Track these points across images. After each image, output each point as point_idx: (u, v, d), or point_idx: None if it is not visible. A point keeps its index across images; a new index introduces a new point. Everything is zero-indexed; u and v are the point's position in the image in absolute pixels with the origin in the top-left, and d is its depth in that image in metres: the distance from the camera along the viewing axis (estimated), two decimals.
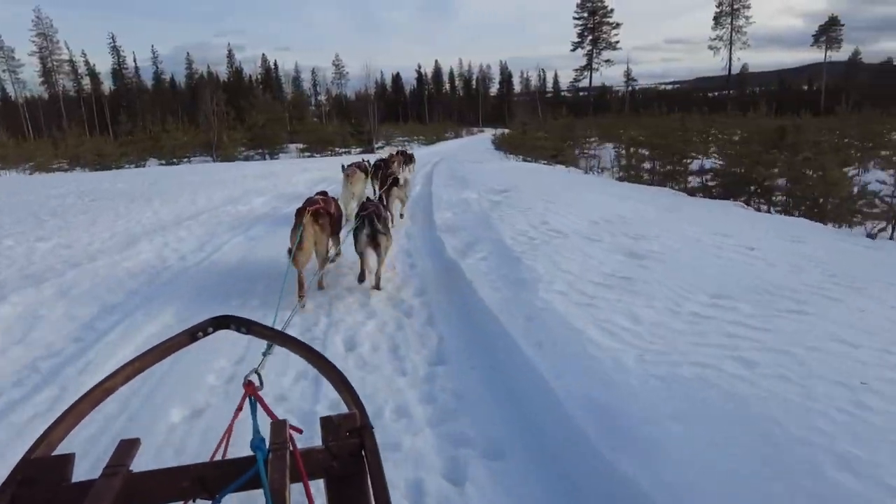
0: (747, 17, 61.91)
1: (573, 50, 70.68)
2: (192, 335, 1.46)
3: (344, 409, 1.24)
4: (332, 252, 4.86)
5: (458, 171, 14.79)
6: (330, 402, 2.72)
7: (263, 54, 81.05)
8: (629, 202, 8.53)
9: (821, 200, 10.76)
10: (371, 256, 4.50)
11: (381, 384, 2.96)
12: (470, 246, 5.43)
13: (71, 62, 59.07)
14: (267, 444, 1.01)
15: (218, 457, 1.24)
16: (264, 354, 1.54)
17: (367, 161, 9.55)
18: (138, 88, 64.88)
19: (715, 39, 62.68)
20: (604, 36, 69.54)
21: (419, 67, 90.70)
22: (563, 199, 8.08)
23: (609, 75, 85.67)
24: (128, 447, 1.00)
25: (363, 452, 1.00)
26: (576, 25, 69.96)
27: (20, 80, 55.63)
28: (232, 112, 42.10)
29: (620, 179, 16.38)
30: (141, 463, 0.98)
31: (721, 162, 14.71)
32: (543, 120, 31.59)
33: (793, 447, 1.84)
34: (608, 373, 2.53)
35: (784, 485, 1.70)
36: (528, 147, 20.13)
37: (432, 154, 25.55)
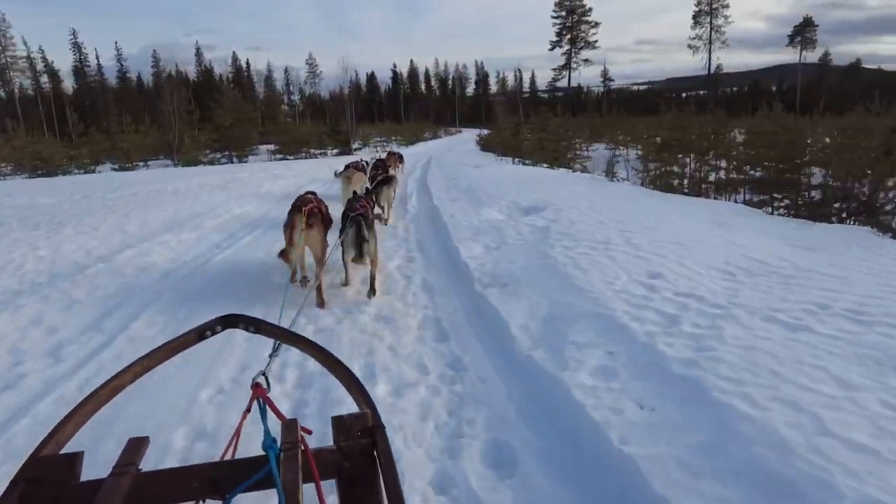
0: (726, 17, 61.68)
1: (551, 49, 69.51)
2: (199, 334, 1.41)
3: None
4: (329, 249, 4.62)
5: (457, 176, 12.77)
6: None
7: (234, 52, 78.06)
8: (735, 232, 6.20)
9: None
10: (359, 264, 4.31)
11: None
12: (555, 331, 3.14)
13: (28, 59, 55.10)
14: (278, 443, 0.98)
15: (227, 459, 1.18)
16: (271, 357, 1.48)
17: (365, 161, 9.46)
18: (102, 87, 61.28)
19: (694, 39, 62.22)
20: (582, 35, 68.59)
21: (394, 67, 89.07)
22: (636, 223, 5.98)
23: (583, 76, 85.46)
24: (137, 446, 0.98)
25: (375, 453, 0.97)
26: (554, 24, 68.80)
27: None
28: (197, 112, 39.32)
29: (641, 185, 14.48)
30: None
31: (828, 172, 11.95)
32: (525, 120, 29.83)
33: None
34: None
35: None
36: (527, 149, 18.14)
37: (416, 155, 23.32)
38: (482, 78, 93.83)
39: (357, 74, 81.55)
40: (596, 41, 68.39)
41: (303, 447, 0.96)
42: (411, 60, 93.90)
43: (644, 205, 8.21)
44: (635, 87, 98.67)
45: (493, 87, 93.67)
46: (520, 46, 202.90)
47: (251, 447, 1.01)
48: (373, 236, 4.26)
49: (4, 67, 52.96)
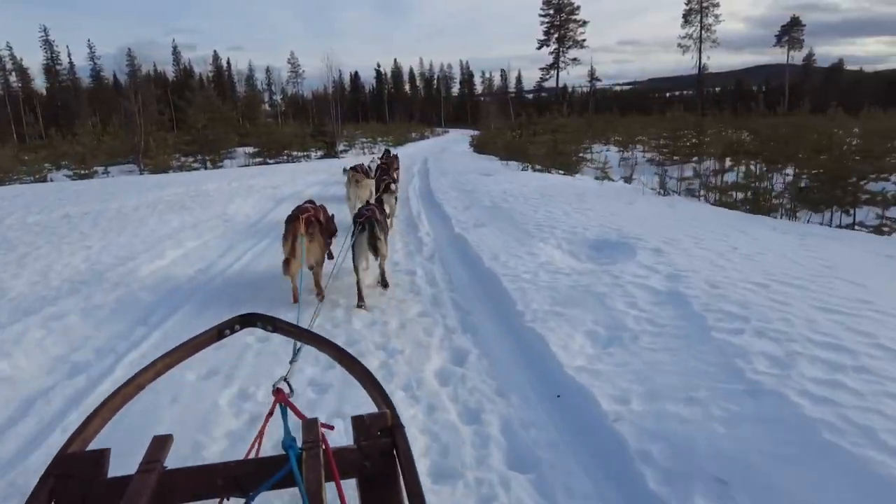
0: (717, 16, 60.60)
1: (539, 48, 67.81)
2: (219, 332, 1.43)
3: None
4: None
5: (470, 188, 10.61)
6: None
7: (215, 51, 75.08)
8: None
9: None
10: (371, 262, 4.35)
11: None
12: None
13: None
14: (299, 443, 0.98)
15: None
16: (291, 362, 1.47)
17: (368, 165, 9.36)
18: (75, 88, 57.93)
19: (685, 38, 61.00)
20: (570, 34, 67.04)
21: (378, 66, 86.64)
22: (827, 288, 3.67)
23: (568, 76, 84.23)
24: (161, 443, 0.98)
25: (395, 452, 0.96)
26: (542, 23, 67.07)
27: None
28: (169, 112, 36.51)
29: (702, 199, 12.35)
30: None
31: None
32: (517, 119, 27.74)
33: None
34: None
35: None
36: (537, 152, 16.00)
37: (408, 157, 20.95)
38: (467, 78, 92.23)
39: (341, 74, 79.28)
40: (584, 40, 66.95)
41: (323, 446, 0.96)
42: (395, 60, 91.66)
43: (772, 241, 5.38)
44: (618, 88, 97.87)
45: (479, 88, 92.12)
46: (506, 46, 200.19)
47: (276, 447, 1.00)
48: (385, 237, 4.37)
49: None
